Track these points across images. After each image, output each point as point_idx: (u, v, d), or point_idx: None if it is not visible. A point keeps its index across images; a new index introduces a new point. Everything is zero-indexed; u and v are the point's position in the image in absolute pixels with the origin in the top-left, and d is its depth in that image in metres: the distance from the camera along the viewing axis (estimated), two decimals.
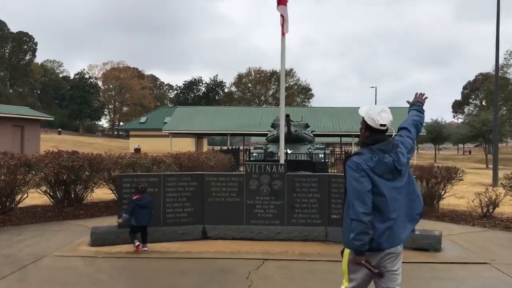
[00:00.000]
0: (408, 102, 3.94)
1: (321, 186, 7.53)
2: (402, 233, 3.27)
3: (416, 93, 3.93)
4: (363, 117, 3.37)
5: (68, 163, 9.78)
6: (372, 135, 3.30)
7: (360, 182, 3.14)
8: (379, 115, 3.26)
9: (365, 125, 3.35)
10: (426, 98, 3.91)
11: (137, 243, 6.73)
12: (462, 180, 11.05)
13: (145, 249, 6.83)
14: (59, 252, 6.66)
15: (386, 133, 3.32)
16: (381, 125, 3.25)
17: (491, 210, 10.02)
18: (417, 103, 3.83)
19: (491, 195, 9.88)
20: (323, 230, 7.47)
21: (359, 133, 3.61)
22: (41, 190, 10.20)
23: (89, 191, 10.90)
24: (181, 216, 7.49)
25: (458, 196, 11.45)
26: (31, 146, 27.05)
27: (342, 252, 3.39)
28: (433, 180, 10.76)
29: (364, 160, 3.19)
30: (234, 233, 7.50)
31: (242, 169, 22.60)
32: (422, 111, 3.77)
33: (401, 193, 3.26)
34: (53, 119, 32.73)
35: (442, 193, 10.87)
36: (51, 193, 10.32)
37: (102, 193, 12.03)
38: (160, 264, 6.14)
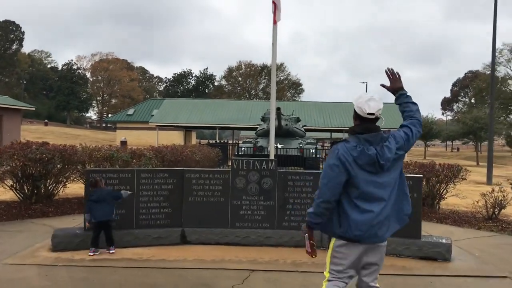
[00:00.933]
0: (383, 85, 3.66)
1: (316, 184, 6.65)
2: (385, 232, 3.24)
3: (387, 72, 3.62)
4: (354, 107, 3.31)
5: (35, 155, 8.81)
6: (361, 124, 3.25)
7: (333, 171, 3.15)
8: (367, 104, 3.21)
9: (355, 114, 3.30)
10: (398, 74, 3.61)
11: (92, 250, 6.03)
12: (465, 179, 10.28)
13: (112, 251, 6.07)
14: (12, 259, 5.73)
15: (376, 123, 3.27)
16: (368, 113, 3.20)
17: (496, 212, 9.27)
18: (403, 91, 3.58)
19: (497, 196, 9.12)
20: (318, 234, 6.61)
21: (348, 128, 3.47)
22: (6, 184, 9.24)
23: (60, 186, 9.95)
24: (157, 217, 6.60)
25: (461, 197, 10.68)
26: (11, 137, 25.85)
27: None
28: (434, 179, 9.99)
29: (348, 149, 3.17)
30: (217, 237, 6.63)
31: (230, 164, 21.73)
32: (415, 102, 3.55)
33: (384, 189, 3.20)
34: (34, 108, 31.48)
35: (444, 193, 10.10)
36: (17, 188, 9.35)
37: (79, 187, 11.05)
38: (128, 276, 5.23)
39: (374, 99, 3.23)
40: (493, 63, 21.14)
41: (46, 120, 76.27)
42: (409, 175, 6.65)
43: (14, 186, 9.33)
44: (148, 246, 6.43)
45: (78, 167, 9.83)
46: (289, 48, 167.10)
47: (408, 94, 3.56)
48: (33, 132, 54.44)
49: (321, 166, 20.09)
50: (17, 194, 9.41)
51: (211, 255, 6.06)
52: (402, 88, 3.57)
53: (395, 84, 3.58)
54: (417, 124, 3.44)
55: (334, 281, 3.35)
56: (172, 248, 6.39)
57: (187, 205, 6.68)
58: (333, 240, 3.32)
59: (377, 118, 3.26)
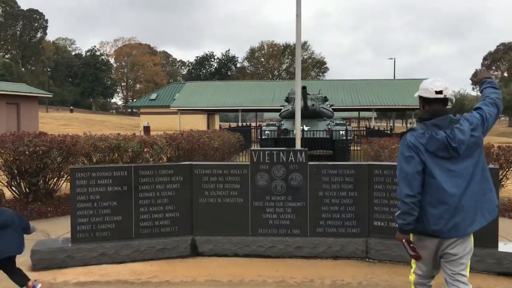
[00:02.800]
0: (472, 80, 3.61)
1: (359, 180, 5.30)
2: (468, 226, 3.02)
3: (477, 70, 3.56)
4: (418, 96, 3.23)
5: (28, 148, 7.67)
6: (430, 109, 3.13)
7: (408, 162, 3.02)
8: (433, 84, 3.14)
9: (421, 100, 3.20)
10: (483, 69, 3.58)
11: None
12: None
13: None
14: None
15: (446, 105, 3.17)
16: (436, 92, 3.10)
17: None
18: (487, 79, 3.44)
19: None
20: (362, 243, 5.26)
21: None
22: (1, 182, 8.19)
23: (62, 182, 8.84)
24: (161, 224, 5.35)
25: None
26: (29, 125, 25.18)
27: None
28: (494, 162, 8.44)
29: (415, 137, 3.06)
30: (235, 247, 5.34)
31: (255, 148, 20.42)
32: (496, 87, 3.38)
33: (462, 177, 2.99)
34: (51, 95, 30.74)
35: (505, 181, 8.57)
36: (13, 185, 8.28)
37: None
38: None
39: (439, 80, 3.16)
40: None
41: (71, 107, 76.58)
42: None
43: (10, 183, 8.27)
44: (151, 260, 5.20)
45: (80, 159, 8.67)
46: (312, 25, 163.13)
47: (491, 81, 3.41)
48: (58, 119, 54.47)
49: (352, 149, 18.62)
50: (13, 192, 8.34)
51: (228, 274, 4.78)
52: (486, 78, 3.43)
53: (481, 75, 3.47)
54: (489, 103, 3.24)
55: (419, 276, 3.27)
56: (180, 262, 5.15)
57: (198, 208, 5.41)
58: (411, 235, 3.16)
59: (446, 100, 3.14)
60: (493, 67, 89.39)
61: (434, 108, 3.12)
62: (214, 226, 5.39)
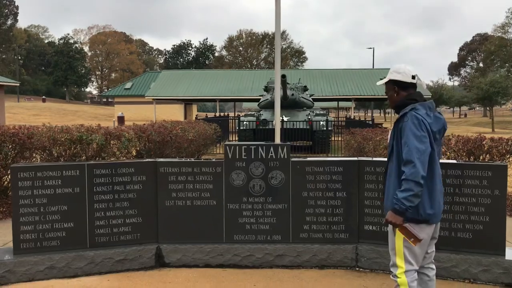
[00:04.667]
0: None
1: (348, 178, 4.65)
2: (442, 208, 3.13)
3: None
4: (389, 80, 3.15)
5: None
6: (410, 93, 3.10)
7: (423, 142, 2.87)
8: (406, 68, 3.11)
9: (395, 85, 3.14)
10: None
11: None
12: None
13: None
14: None
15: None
16: (412, 77, 3.09)
17: None
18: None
19: None
20: (351, 250, 4.63)
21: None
22: None
23: None
24: (120, 231, 4.61)
25: None
26: None
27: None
28: (485, 156, 7.94)
29: (422, 116, 2.94)
30: (207, 257, 4.65)
31: (234, 139, 19.66)
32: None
33: (439, 159, 3.11)
34: (18, 84, 29.16)
35: None
36: None
37: None
38: None
39: (408, 64, 3.14)
40: None
41: (44, 97, 74.36)
42: (488, 163, 4.62)
43: None
44: (108, 273, 4.47)
45: (35, 154, 7.82)
46: (290, 14, 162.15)
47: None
48: (30, 109, 52.72)
49: (333, 139, 18.06)
50: None
51: None
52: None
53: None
54: None
55: (411, 271, 3.03)
56: (143, 276, 4.43)
57: (164, 212, 4.69)
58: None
59: (416, 86, 3.16)
60: (469, 58, 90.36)
61: (413, 92, 3.11)
62: (183, 233, 4.67)
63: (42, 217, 4.40)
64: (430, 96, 39.39)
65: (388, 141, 3.30)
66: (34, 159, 7.97)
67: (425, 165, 2.85)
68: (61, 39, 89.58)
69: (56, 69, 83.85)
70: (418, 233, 2.90)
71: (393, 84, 3.14)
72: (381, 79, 3.31)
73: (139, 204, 4.64)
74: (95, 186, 4.52)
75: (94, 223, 4.53)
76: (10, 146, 7.42)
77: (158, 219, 4.68)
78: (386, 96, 3.27)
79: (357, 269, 4.61)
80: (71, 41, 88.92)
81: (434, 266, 3.26)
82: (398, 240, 3.01)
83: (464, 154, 7.95)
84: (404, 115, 2.99)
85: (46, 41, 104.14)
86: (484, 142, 8.08)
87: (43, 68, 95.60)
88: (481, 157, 8.01)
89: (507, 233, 4.34)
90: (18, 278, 4.28)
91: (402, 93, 3.10)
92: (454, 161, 4.54)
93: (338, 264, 4.62)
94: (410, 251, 3.00)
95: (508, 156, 7.97)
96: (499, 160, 7.93)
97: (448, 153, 8.02)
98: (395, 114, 3.21)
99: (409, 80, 3.08)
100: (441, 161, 4.26)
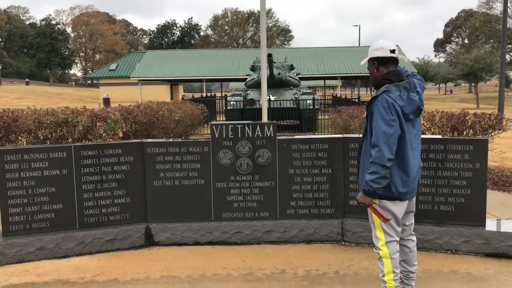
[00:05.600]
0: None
1: (333, 155, 4.73)
2: (416, 185, 3.23)
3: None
4: (370, 58, 3.19)
5: None
6: (390, 70, 3.10)
7: (391, 126, 2.91)
8: (384, 44, 3.13)
9: (375, 62, 3.15)
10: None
11: None
12: (505, 131, 8.37)
13: None
14: None
15: (398, 64, 3.16)
16: (391, 51, 3.09)
17: None
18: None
19: None
20: (337, 225, 4.73)
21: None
22: None
23: None
24: (109, 211, 4.65)
25: (499, 152, 8.81)
26: None
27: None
28: (469, 131, 8.07)
29: (394, 99, 2.95)
30: (196, 235, 4.72)
31: (221, 119, 19.61)
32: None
33: (417, 138, 3.15)
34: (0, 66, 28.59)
35: None
36: None
37: None
38: None
39: (387, 40, 3.15)
40: None
41: (27, 80, 73.09)
42: (470, 137, 4.72)
43: None
44: (98, 253, 4.53)
45: (21, 137, 7.77)
46: None
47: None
48: (13, 93, 51.83)
49: (320, 117, 18.13)
50: None
51: (188, 267, 4.16)
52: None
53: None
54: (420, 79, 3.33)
55: (392, 242, 3.13)
56: (133, 255, 4.49)
57: (152, 192, 4.73)
58: (376, 201, 3.06)
59: (397, 61, 3.15)
60: (455, 34, 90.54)
61: (392, 69, 3.10)
62: (171, 212, 4.73)
63: (30, 199, 4.41)
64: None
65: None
66: (20, 142, 7.91)
67: (392, 148, 2.91)
68: (42, 20, 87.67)
69: (38, 51, 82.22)
70: (386, 213, 3.02)
71: (373, 61, 3.16)
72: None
73: (127, 184, 4.67)
74: (83, 167, 4.54)
75: (82, 204, 4.56)
76: None
77: (147, 199, 4.73)
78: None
79: (343, 243, 4.72)
80: (53, 22, 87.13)
81: (414, 238, 3.36)
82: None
83: (448, 129, 8.08)
84: (376, 98, 3.01)
85: (27, 23, 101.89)
86: (467, 118, 8.20)
87: (25, 50, 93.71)
88: (464, 132, 8.15)
89: (488, 205, 4.47)
90: (8, 260, 4.32)
91: (381, 69, 3.12)
92: (438, 136, 4.63)
93: (324, 239, 4.73)
94: (388, 225, 3.10)
95: (491, 131, 8.12)
96: (481, 135, 8.08)
97: (433, 129, 8.15)
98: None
99: (388, 54, 3.08)
100: (424, 136, 4.37)
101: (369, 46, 3.24)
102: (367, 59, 3.22)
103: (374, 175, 2.92)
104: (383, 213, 3.01)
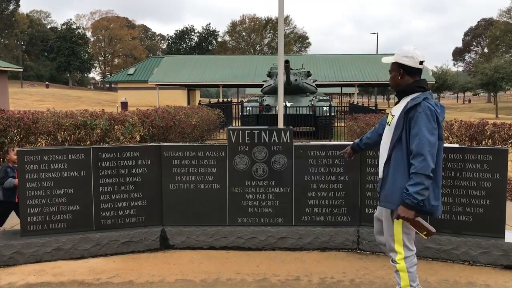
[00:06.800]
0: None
1: (349, 162, 4.69)
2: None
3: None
4: (395, 62, 3.06)
5: None
6: (416, 79, 3.02)
7: (433, 134, 2.84)
8: (415, 52, 2.99)
9: (402, 68, 3.03)
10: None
11: None
12: None
13: None
14: None
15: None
16: (420, 62, 2.98)
17: None
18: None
19: None
20: (353, 233, 4.70)
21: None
22: None
23: None
24: (126, 214, 4.69)
25: None
26: None
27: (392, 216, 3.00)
28: (487, 141, 7.97)
29: (434, 107, 2.88)
30: (211, 239, 4.73)
31: (237, 125, 19.67)
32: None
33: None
34: (21, 70, 29.21)
35: None
36: None
37: None
38: None
39: (418, 48, 3.01)
40: None
41: (47, 82, 74.32)
42: (490, 147, 4.66)
43: None
44: (114, 255, 4.56)
45: (40, 139, 7.90)
46: (294, 2, 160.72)
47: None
48: (33, 95, 52.71)
49: (336, 125, 18.06)
50: None
51: (202, 271, 4.17)
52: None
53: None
54: None
55: (411, 256, 3.06)
56: (148, 258, 4.52)
57: (169, 196, 4.76)
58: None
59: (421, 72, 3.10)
60: (474, 43, 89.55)
61: (418, 78, 3.03)
62: (187, 216, 4.75)
63: (48, 200, 4.48)
64: (433, 82, 39.26)
65: (378, 125, 3.38)
66: (39, 144, 8.04)
67: (434, 157, 2.83)
68: (63, 24, 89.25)
69: (58, 54, 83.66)
70: (430, 225, 2.90)
71: (399, 67, 3.05)
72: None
73: (144, 187, 4.71)
74: (101, 169, 4.59)
75: (99, 206, 4.61)
76: (15, 131, 7.49)
77: (163, 202, 4.76)
78: (389, 82, 3.22)
79: (358, 251, 4.68)
80: (74, 26, 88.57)
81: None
82: (397, 226, 3.02)
83: (467, 139, 7.98)
84: (417, 105, 2.89)
85: (48, 27, 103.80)
86: (486, 127, 8.10)
87: (46, 53, 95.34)
88: (483, 142, 8.05)
89: (507, 216, 4.39)
90: (26, 259, 4.38)
91: (407, 78, 3.03)
92: (456, 146, 4.57)
93: (339, 247, 4.69)
94: (409, 237, 3.03)
95: (510, 141, 7.99)
96: (501, 145, 7.96)
97: (451, 138, 8.06)
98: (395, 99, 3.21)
99: (417, 66, 2.99)
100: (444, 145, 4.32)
101: (387, 54, 3.19)
102: (392, 60, 3.10)
103: (419, 186, 2.77)
104: (429, 226, 2.86)
